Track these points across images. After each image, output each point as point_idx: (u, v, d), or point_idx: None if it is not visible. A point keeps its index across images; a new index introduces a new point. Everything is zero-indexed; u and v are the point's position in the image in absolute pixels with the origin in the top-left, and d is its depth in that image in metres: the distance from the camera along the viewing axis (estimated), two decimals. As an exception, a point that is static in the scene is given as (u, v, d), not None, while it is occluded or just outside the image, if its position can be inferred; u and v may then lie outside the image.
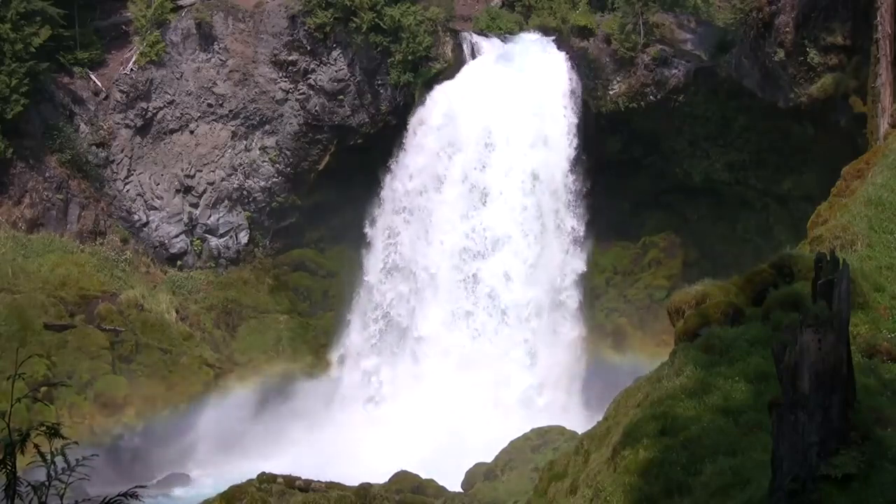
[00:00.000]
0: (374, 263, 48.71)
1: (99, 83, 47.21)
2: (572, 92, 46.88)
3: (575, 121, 46.75)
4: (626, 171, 47.90)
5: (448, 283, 46.52)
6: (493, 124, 46.70)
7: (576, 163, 46.99)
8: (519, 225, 46.52)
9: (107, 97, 47.18)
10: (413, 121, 47.70)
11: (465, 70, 47.71)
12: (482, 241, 46.32)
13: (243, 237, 49.57)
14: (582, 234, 47.84)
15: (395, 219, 48.45)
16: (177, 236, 48.60)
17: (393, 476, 32.69)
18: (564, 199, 47.31)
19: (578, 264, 47.38)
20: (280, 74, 48.04)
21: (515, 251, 46.40)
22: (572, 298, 47.12)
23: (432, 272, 46.98)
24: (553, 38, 47.35)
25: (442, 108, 47.57)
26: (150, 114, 47.79)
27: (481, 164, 46.72)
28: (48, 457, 7.02)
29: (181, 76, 47.98)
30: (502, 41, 47.79)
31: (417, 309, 47.01)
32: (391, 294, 48.11)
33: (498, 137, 46.62)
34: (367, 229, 48.45)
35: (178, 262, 48.68)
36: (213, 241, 49.21)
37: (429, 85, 46.30)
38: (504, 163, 46.52)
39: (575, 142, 46.73)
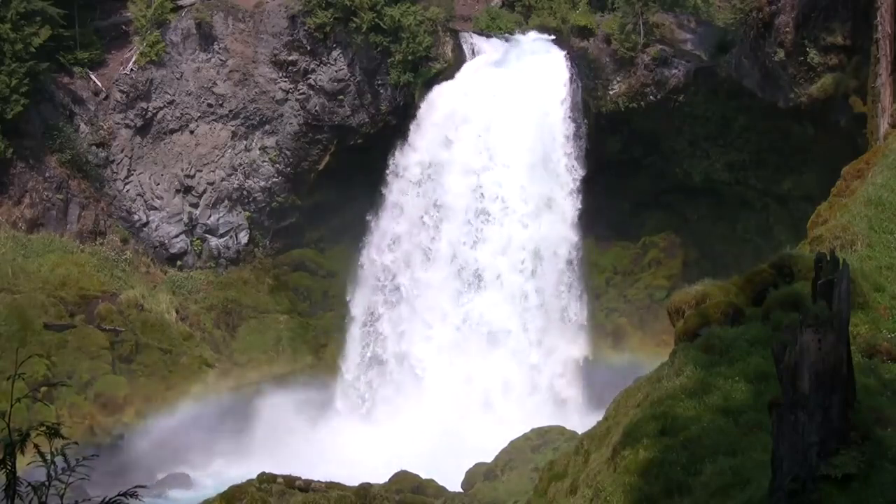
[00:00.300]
0: (352, 354, 44.54)
1: (99, 83, 47.21)
2: (577, 135, 43.83)
3: (581, 172, 43.49)
4: (626, 171, 47.85)
5: (437, 386, 41.04)
6: (485, 182, 41.82)
7: (580, 221, 42.96)
8: (519, 317, 41.79)
9: (107, 97, 47.19)
10: (391, 166, 44.40)
11: (454, 93, 44.31)
12: (477, 337, 41.30)
13: (243, 237, 49.56)
14: (585, 319, 43.68)
15: (376, 298, 44.41)
16: (177, 236, 48.60)
17: (393, 476, 32.68)
18: (568, 280, 43.03)
19: (580, 351, 43.54)
20: (280, 74, 48.04)
21: (514, 350, 41.72)
22: (574, 396, 42.87)
23: (418, 373, 42.31)
24: (553, 37, 47.24)
25: (421, 154, 43.47)
26: (150, 114, 47.80)
27: (472, 240, 42.42)
28: (48, 457, 7.02)
29: (181, 76, 47.99)
30: (503, 41, 47.59)
31: (402, 415, 42.12)
32: (371, 392, 43.94)
33: (492, 203, 41.99)
34: (350, 296, 45.72)
35: (178, 262, 48.68)
36: (213, 241, 49.21)
37: (428, 85, 46.21)
38: (500, 237, 42.03)
39: (580, 199, 43.17)
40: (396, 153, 45.36)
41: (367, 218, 45.51)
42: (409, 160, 44.55)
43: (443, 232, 42.86)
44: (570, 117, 44.40)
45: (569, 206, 43.01)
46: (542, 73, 44.81)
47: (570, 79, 44.82)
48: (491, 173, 42.92)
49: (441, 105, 45.09)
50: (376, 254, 44.59)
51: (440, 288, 42.65)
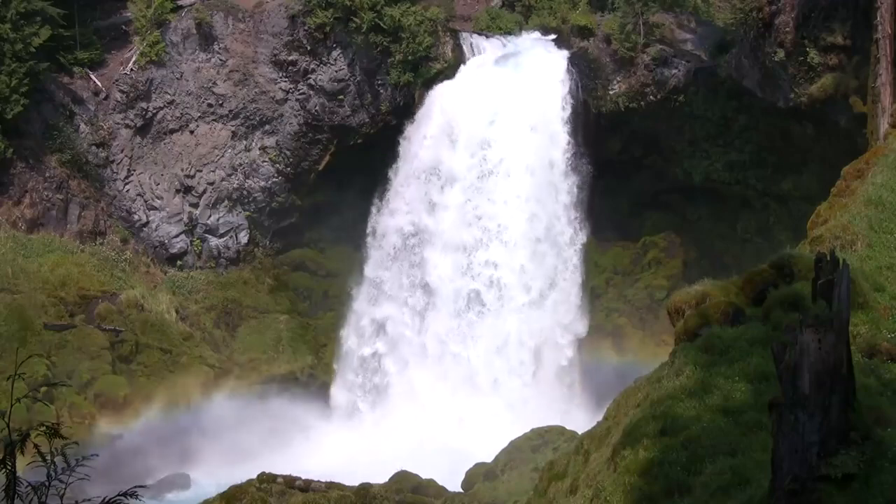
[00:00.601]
0: (328, 455, 39.35)
1: (99, 83, 47.21)
2: (581, 186, 41.52)
3: (584, 239, 40.62)
4: (626, 171, 47.83)
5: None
6: (477, 262, 38.16)
7: (584, 301, 39.46)
8: (518, 420, 36.41)
9: (107, 97, 47.19)
10: (369, 226, 42.21)
11: (438, 136, 41.41)
12: (471, 450, 35.54)
13: (243, 237, 49.55)
14: (587, 419, 38.22)
15: (355, 396, 41.80)
16: (177, 236, 48.59)
17: (393, 476, 32.66)
18: (569, 380, 39.57)
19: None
20: (280, 74, 48.04)
21: None
22: None
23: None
24: (553, 37, 47.18)
25: (400, 219, 40.42)
26: (150, 114, 47.79)
27: (463, 335, 39.27)
28: (48, 457, 7.01)
29: (181, 76, 47.99)
30: (503, 43, 47.51)
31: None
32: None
33: (486, 290, 38.32)
34: (336, 363, 43.63)
35: (178, 262, 48.67)
36: (213, 241, 49.19)
37: (428, 85, 46.17)
38: (496, 332, 38.46)
39: (582, 270, 39.94)
40: (372, 212, 43.48)
41: (349, 289, 43.85)
42: (388, 225, 41.67)
43: (429, 322, 39.44)
44: (572, 167, 42.56)
45: (572, 284, 39.64)
46: (540, 122, 42.58)
47: (571, 112, 43.04)
48: (484, 252, 39.59)
49: (423, 152, 43.15)
50: (355, 340, 41.81)
51: (429, 390, 39.70)
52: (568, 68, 45.56)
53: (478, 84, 45.16)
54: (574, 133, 45.02)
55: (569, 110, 45.08)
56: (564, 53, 45.98)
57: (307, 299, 49.70)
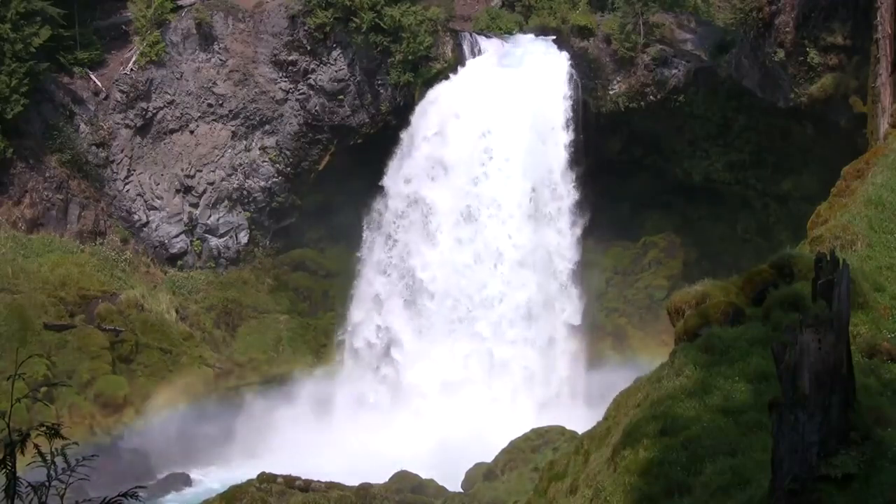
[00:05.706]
0: None
1: (99, 83, 47.21)
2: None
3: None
4: (626, 171, 47.85)
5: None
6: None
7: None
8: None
9: (107, 97, 47.19)
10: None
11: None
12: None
13: (243, 237, 49.54)
14: None
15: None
16: (177, 236, 48.59)
17: (393, 476, 32.70)
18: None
19: None
20: (280, 74, 48.04)
21: None
22: None
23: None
24: (553, 37, 47.18)
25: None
26: (150, 114, 47.79)
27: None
28: (48, 457, 7.01)
29: (181, 76, 47.98)
30: (503, 43, 47.50)
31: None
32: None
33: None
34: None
35: (178, 262, 48.67)
36: (213, 241, 49.19)
37: (428, 84, 46.15)
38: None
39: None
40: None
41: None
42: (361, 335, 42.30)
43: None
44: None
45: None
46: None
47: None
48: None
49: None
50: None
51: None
52: (568, 68, 45.59)
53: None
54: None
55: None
56: (564, 53, 45.99)
57: (307, 299, 49.68)
